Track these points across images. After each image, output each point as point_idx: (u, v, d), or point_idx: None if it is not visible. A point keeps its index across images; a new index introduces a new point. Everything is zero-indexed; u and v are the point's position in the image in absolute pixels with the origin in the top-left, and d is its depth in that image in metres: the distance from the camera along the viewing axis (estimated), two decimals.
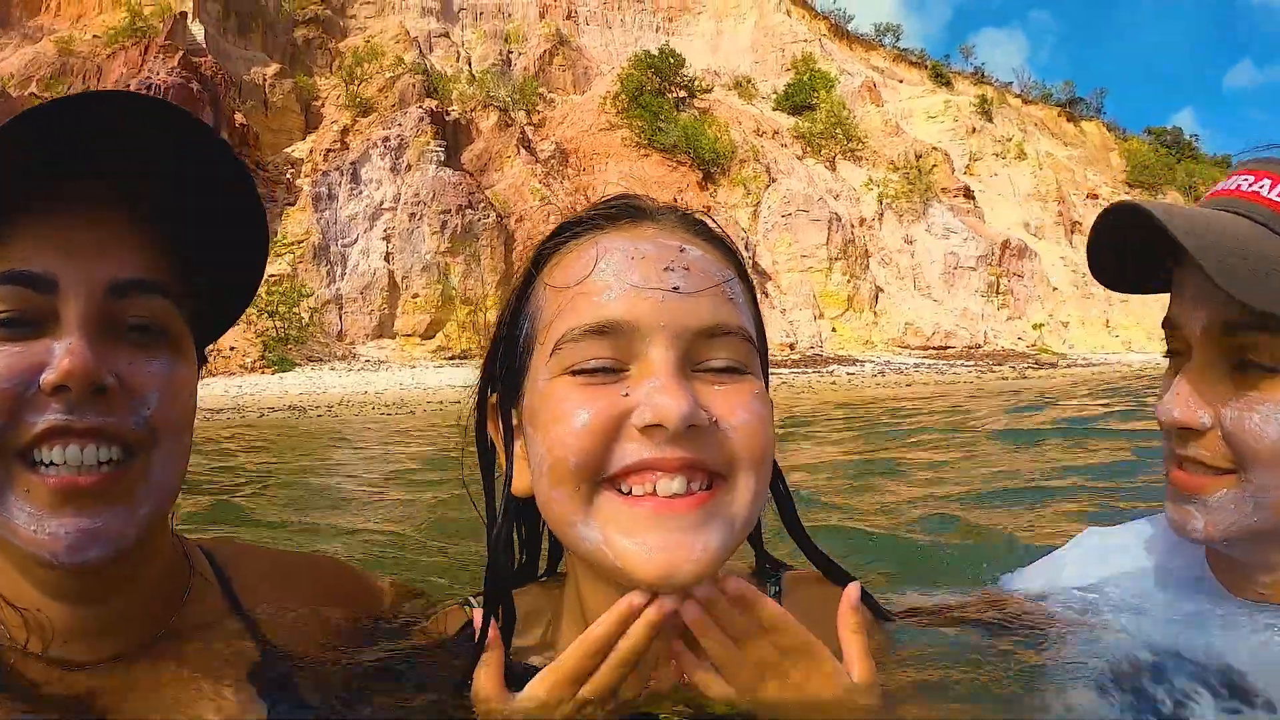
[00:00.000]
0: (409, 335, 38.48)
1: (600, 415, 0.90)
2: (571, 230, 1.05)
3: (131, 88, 39.58)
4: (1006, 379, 34.97)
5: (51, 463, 0.92)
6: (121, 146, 0.96)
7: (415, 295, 38.89)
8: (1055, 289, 58.62)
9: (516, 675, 0.99)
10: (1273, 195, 1.16)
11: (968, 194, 58.89)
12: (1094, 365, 43.82)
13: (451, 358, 36.63)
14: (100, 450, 0.94)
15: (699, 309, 0.94)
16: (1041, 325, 54.60)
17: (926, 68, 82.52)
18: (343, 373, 31.56)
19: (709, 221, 1.08)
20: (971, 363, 43.51)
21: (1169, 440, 1.25)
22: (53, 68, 43.17)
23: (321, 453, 10.08)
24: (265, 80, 48.46)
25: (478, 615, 1.02)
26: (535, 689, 0.96)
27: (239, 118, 43.59)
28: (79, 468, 0.93)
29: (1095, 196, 74.49)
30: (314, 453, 10.21)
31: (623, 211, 1.05)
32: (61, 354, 0.91)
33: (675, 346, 0.92)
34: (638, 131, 49.52)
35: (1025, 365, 43.30)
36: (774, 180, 49.97)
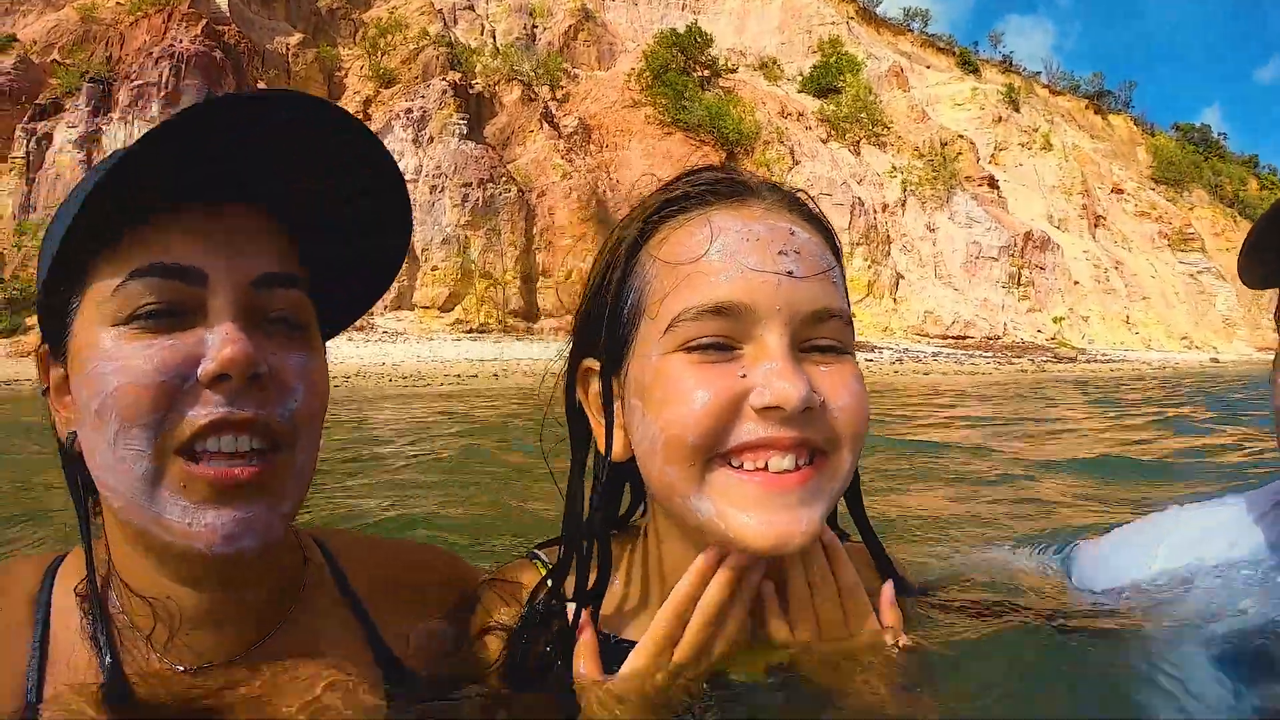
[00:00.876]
0: (427, 307, 38.37)
1: (719, 396, 0.94)
2: (678, 204, 1.04)
3: (154, 55, 39.79)
4: (1026, 371, 34.74)
5: (206, 450, 0.93)
6: (270, 145, 0.95)
7: (435, 268, 38.65)
8: (1076, 282, 58.32)
9: (608, 647, 1.08)
10: None
11: (992, 183, 58.53)
12: (1113, 361, 43.67)
13: (469, 331, 36.67)
14: (253, 442, 0.95)
15: (811, 293, 0.97)
16: (1061, 319, 54.34)
17: (954, 54, 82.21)
18: (360, 343, 31.45)
19: (809, 202, 1.09)
20: (990, 354, 43.28)
21: None
22: (75, 35, 43.11)
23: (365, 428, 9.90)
24: (288, 50, 48.25)
25: (525, 582, 1.20)
26: (634, 663, 1.02)
27: (262, 87, 43.47)
28: (232, 456, 0.93)
29: (1120, 191, 74.14)
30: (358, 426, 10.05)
31: (729, 187, 1.05)
32: (220, 343, 0.91)
33: (789, 330, 0.96)
34: (661, 109, 49.11)
35: (1044, 358, 43.07)
36: (797, 163, 49.63)
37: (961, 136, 60.15)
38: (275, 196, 1.00)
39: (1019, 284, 54.05)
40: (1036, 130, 70.17)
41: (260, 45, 45.60)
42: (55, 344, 1.01)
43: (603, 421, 1.08)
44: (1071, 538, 1.94)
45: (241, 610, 1.05)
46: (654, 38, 55.76)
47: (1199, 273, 70.79)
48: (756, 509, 0.94)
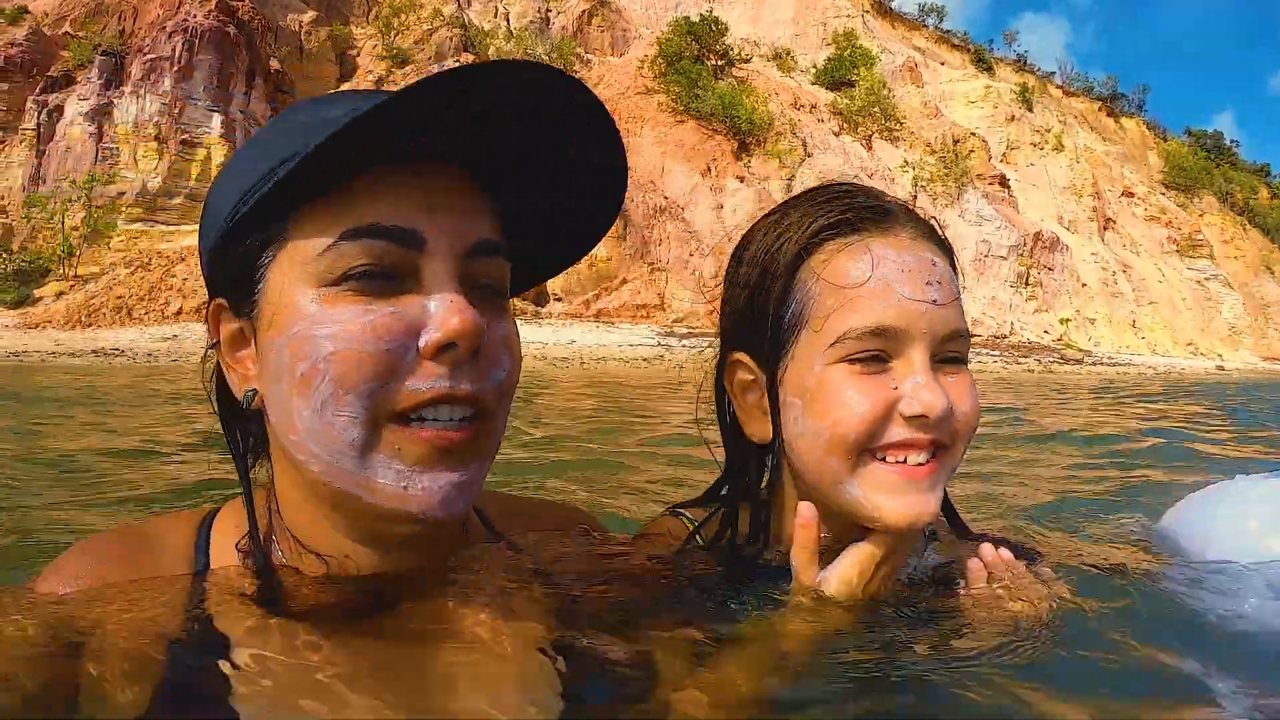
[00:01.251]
0: None
1: (877, 405, 1.12)
2: (836, 228, 1.19)
3: (167, 29, 39.62)
4: (1033, 371, 34.73)
5: (422, 418, 0.92)
6: (491, 112, 0.93)
7: None
8: (1084, 285, 58.34)
9: (753, 567, 1.28)
10: None
11: (1003, 182, 58.43)
12: (1119, 365, 43.74)
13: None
14: (466, 410, 0.94)
15: (948, 318, 1.16)
16: (1068, 320, 54.36)
17: (969, 51, 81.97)
18: None
19: (940, 230, 1.28)
20: (997, 352, 43.22)
21: None
22: (87, 7, 42.96)
23: None
24: (301, 27, 48.13)
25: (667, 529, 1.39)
26: (844, 568, 1.18)
27: (274, 64, 43.26)
28: (449, 422, 0.93)
29: (1131, 195, 74.06)
30: None
31: (879, 215, 1.21)
32: (446, 312, 0.90)
33: (930, 348, 1.14)
34: (674, 97, 48.88)
35: (1051, 359, 43.03)
36: (809, 155, 49.58)
37: (974, 134, 59.95)
38: (482, 161, 0.98)
39: (1027, 284, 54.04)
40: (1049, 131, 69.94)
41: (273, 22, 45.43)
42: (236, 298, 0.97)
43: (749, 406, 1.28)
44: None
45: (418, 564, 1.06)
46: (668, 25, 55.59)
47: (1206, 279, 70.69)
48: (898, 494, 1.14)
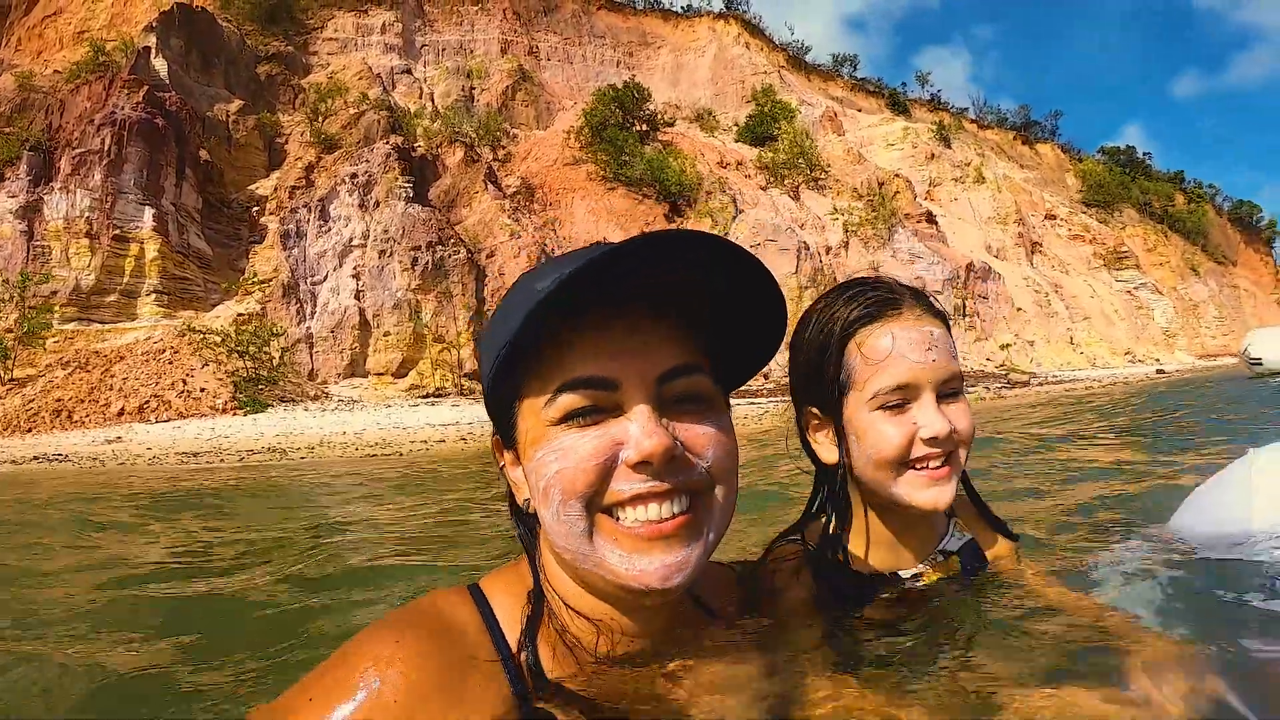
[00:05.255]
0: (381, 374, 37.72)
1: (905, 436, 1.59)
2: (869, 315, 1.65)
3: (96, 122, 39.11)
4: (984, 399, 35.24)
5: (635, 519, 1.14)
6: (662, 271, 1.14)
7: (387, 333, 38.13)
8: (1019, 309, 59.46)
9: (861, 580, 1.70)
10: None
11: (930, 219, 59.57)
12: (1064, 381, 44.30)
13: (425, 396, 35.99)
14: (675, 504, 1.15)
15: (943, 368, 1.62)
16: (1008, 345, 55.25)
17: (884, 96, 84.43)
18: (317, 413, 30.61)
19: (937, 303, 1.73)
20: None
21: None
22: (13, 102, 42.38)
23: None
24: (229, 117, 47.89)
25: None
26: None
27: (203, 154, 42.99)
28: (659, 520, 1.14)
29: (1053, 217, 76.06)
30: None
31: (895, 303, 1.67)
32: (640, 435, 1.12)
33: (934, 392, 1.61)
34: (603, 165, 49.48)
35: (999, 385, 43.69)
36: (741, 211, 50.22)
37: (897, 175, 61.20)
38: (668, 311, 1.20)
39: (964, 315, 54.94)
40: (969, 164, 71.90)
41: (200, 112, 45.12)
42: (505, 435, 1.26)
43: (819, 441, 1.75)
44: None
45: (661, 624, 1.30)
46: (592, 94, 56.38)
47: (1136, 289, 72.78)
48: (926, 489, 1.60)
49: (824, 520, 1.76)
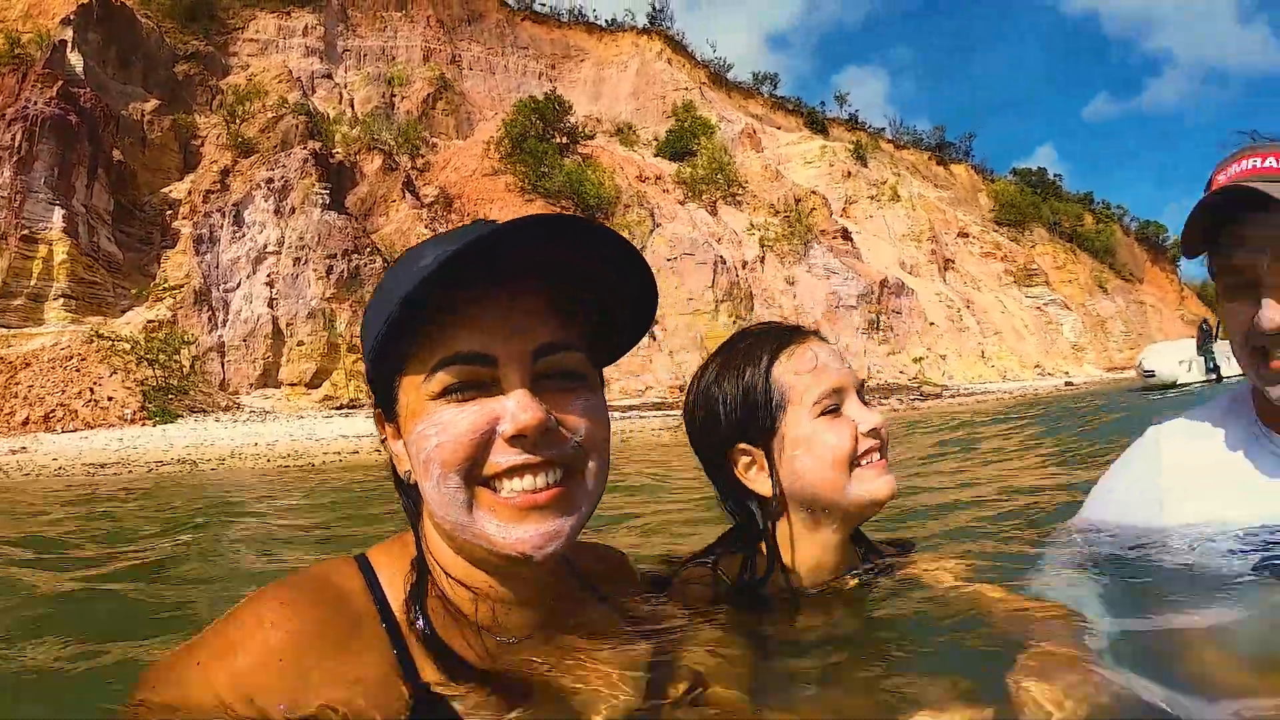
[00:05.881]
0: (294, 384, 36.47)
1: (851, 433, 1.70)
2: (788, 342, 1.79)
3: (7, 117, 37.10)
4: (897, 410, 36.00)
5: (511, 490, 1.20)
6: (543, 252, 1.20)
7: (300, 343, 36.94)
8: (932, 323, 60.68)
9: (786, 596, 1.76)
10: None
11: (845, 235, 60.53)
12: (975, 394, 45.29)
13: (339, 407, 35.07)
14: (549, 475, 1.21)
15: (856, 375, 1.78)
16: (921, 358, 56.35)
17: (803, 114, 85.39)
18: (228, 424, 29.52)
19: (824, 334, 1.89)
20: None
21: (1252, 340, 1.76)
22: None
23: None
24: (144, 116, 46.10)
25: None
26: None
27: (117, 154, 41.42)
28: (534, 490, 1.20)
29: (966, 235, 77.76)
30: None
31: (800, 332, 1.83)
32: (516, 410, 1.17)
33: (857, 392, 1.76)
34: (522, 176, 49.26)
35: (913, 397, 44.59)
36: (658, 225, 50.44)
37: (814, 192, 61.97)
38: (548, 288, 1.25)
39: (878, 329, 55.95)
40: (884, 183, 73.04)
41: (115, 110, 43.50)
42: (384, 408, 1.31)
43: (752, 476, 1.79)
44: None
45: (539, 595, 1.34)
46: (513, 106, 56.12)
47: (1045, 305, 74.50)
48: (879, 479, 1.71)
49: (744, 557, 1.79)
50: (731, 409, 1.78)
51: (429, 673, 1.20)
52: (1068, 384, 53.93)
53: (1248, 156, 1.78)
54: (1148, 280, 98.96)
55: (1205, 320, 30.41)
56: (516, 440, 1.18)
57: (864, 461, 1.71)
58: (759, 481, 1.78)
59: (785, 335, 1.81)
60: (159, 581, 3.96)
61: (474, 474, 1.20)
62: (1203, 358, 28.41)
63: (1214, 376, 27.21)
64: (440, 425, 1.19)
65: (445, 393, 1.20)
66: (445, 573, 1.30)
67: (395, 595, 1.27)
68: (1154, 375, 29.70)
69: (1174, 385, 27.99)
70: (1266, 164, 1.75)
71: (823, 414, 1.71)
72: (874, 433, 1.72)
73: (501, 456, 1.19)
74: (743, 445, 1.79)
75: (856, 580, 1.82)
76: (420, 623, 1.24)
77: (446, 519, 1.24)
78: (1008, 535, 2.86)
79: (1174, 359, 29.57)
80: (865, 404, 1.76)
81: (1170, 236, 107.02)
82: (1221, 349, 26.17)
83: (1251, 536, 1.81)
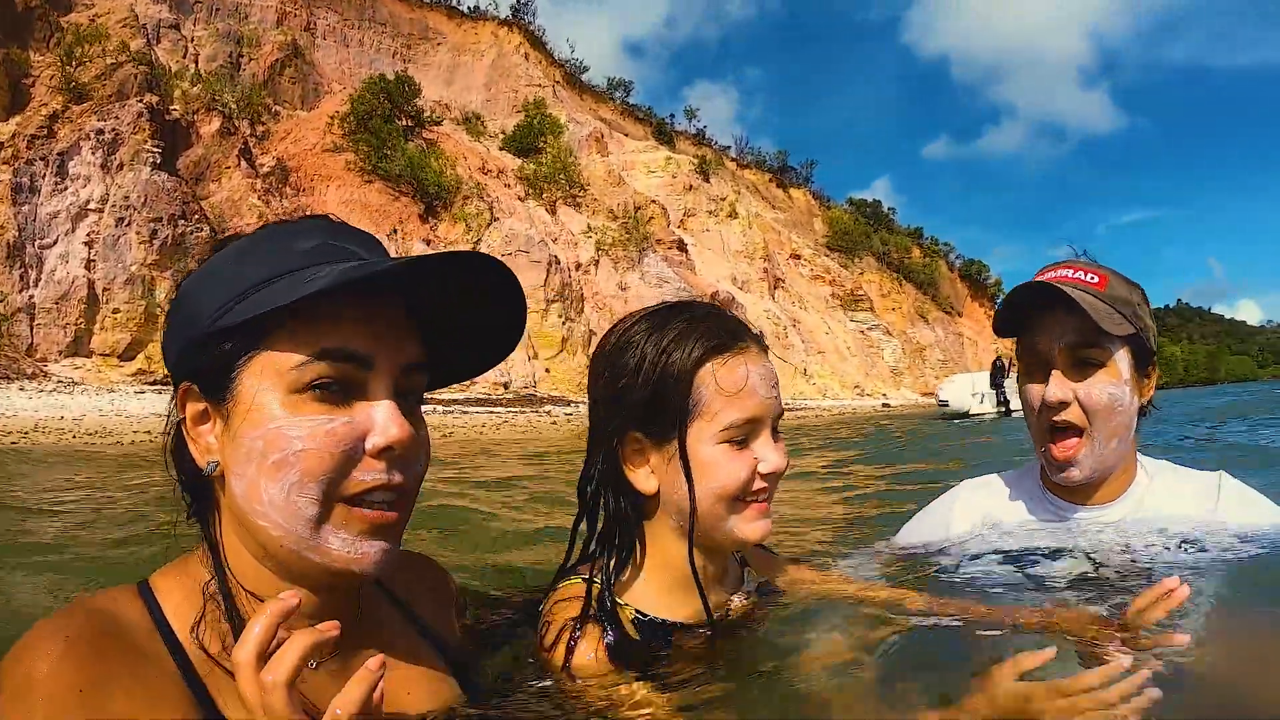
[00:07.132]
0: (106, 355, 33.82)
1: (749, 470, 1.58)
2: (723, 345, 1.62)
3: None
4: None
5: (369, 506, 1.17)
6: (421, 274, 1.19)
7: (116, 310, 34.30)
8: None
9: (643, 623, 1.63)
10: (1091, 279, 2.03)
11: (681, 247, 61.47)
12: (795, 410, 45.83)
13: (153, 382, 32.20)
14: (397, 495, 1.20)
15: (780, 406, 1.66)
16: None
17: (651, 124, 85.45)
18: (34, 394, 26.82)
19: (768, 346, 1.76)
20: None
21: (1042, 417, 2.07)
22: None
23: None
24: None
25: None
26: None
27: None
28: (386, 509, 1.18)
29: (798, 257, 79.64)
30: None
31: (744, 336, 1.66)
32: (386, 423, 1.15)
33: (772, 424, 1.64)
34: (363, 156, 47.99)
35: None
36: (496, 219, 50.07)
37: (654, 202, 62.68)
38: (415, 300, 1.24)
39: None
40: (724, 199, 74.11)
41: None
42: (207, 385, 1.18)
43: (637, 470, 1.66)
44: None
45: (339, 611, 1.22)
46: (362, 82, 54.51)
47: (869, 329, 76.94)
48: (757, 522, 1.61)
49: (611, 561, 1.67)
50: (636, 393, 1.63)
51: (231, 709, 1.08)
52: (885, 405, 56.56)
53: (1068, 267, 2.07)
54: (967, 314, 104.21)
55: (999, 357, 33.11)
56: (384, 454, 1.16)
57: (750, 499, 1.62)
58: (642, 477, 1.67)
59: (725, 339, 1.63)
60: None
61: (333, 487, 1.14)
62: (994, 391, 31.27)
63: (1004, 409, 29.95)
64: (310, 428, 1.12)
65: (313, 386, 1.13)
66: (243, 586, 1.19)
67: (181, 625, 1.15)
68: (947, 405, 32.74)
69: (965, 415, 30.97)
70: (1078, 276, 2.03)
71: (727, 442, 1.60)
72: (772, 476, 1.62)
73: (367, 474, 1.15)
74: (637, 435, 1.66)
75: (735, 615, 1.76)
76: (214, 652, 1.14)
77: (282, 525, 1.13)
78: (838, 550, 3.21)
79: (966, 391, 32.74)
80: (777, 438, 1.66)
81: (991, 276, 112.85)
82: (1012, 385, 29.40)
83: (1015, 555, 2.13)
